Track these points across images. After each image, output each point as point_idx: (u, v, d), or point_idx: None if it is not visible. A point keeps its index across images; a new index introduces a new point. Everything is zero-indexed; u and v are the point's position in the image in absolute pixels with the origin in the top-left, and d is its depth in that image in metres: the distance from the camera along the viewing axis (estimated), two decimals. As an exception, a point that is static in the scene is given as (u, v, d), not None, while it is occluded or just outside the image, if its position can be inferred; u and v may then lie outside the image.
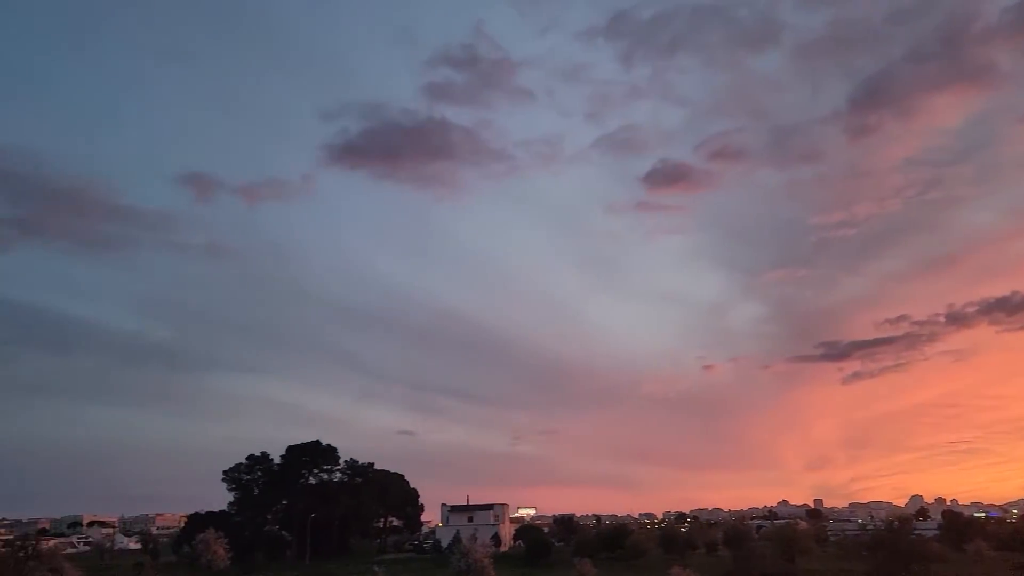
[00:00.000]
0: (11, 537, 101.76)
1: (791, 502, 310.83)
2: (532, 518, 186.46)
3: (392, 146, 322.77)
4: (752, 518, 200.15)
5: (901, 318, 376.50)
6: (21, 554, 64.69)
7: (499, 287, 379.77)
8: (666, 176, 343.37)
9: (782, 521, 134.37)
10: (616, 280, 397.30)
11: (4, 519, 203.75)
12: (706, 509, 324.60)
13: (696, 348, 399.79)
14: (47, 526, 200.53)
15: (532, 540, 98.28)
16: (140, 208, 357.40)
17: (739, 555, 71.66)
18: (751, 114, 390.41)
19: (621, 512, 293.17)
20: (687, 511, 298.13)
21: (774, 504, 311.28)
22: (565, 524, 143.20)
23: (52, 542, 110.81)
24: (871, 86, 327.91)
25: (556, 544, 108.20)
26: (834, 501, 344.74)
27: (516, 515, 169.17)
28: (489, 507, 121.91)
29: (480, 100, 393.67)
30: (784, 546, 74.25)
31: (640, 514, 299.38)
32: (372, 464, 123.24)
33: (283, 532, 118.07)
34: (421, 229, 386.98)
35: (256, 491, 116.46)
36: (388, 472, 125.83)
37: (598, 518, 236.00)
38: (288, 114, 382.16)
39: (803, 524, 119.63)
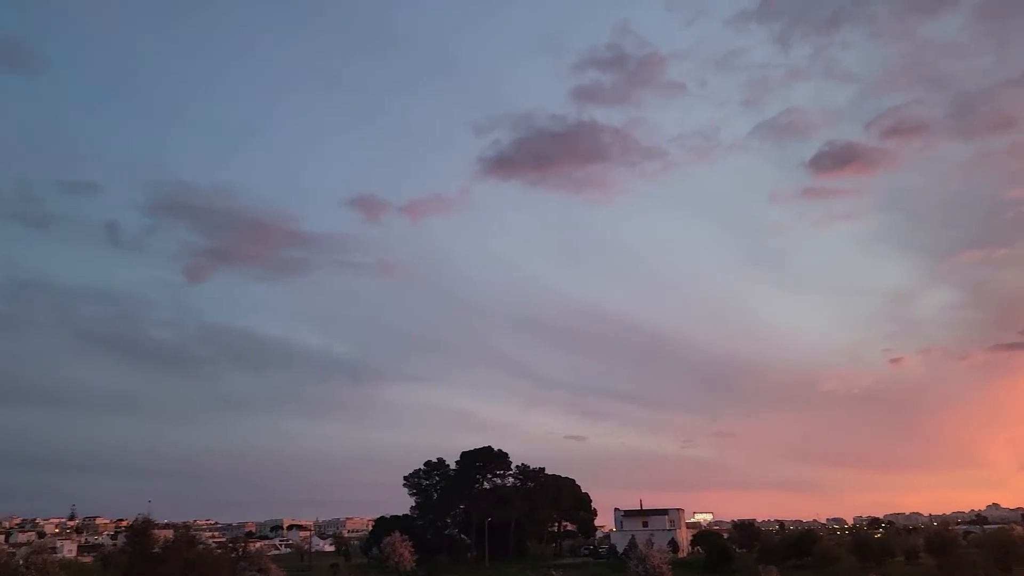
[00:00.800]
0: (224, 539, 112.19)
1: (1003, 505, 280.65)
2: (709, 523, 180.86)
3: (543, 153, 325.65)
4: (958, 523, 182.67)
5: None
6: (234, 555, 71.14)
7: (659, 287, 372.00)
8: (835, 159, 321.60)
9: (993, 526, 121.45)
10: (784, 272, 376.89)
11: (216, 523, 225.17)
12: (902, 513, 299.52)
13: (880, 340, 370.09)
14: (253, 529, 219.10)
15: (712, 546, 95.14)
16: (317, 233, 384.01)
17: (945, 563, 65.74)
18: (928, 84, 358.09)
19: (806, 517, 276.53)
20: (880, 515, 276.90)
21: (982, 507, 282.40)
22: (746, 530, 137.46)
23: (258, 544, 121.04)
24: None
25: (738, 551, 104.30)
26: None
27: (692, 520, 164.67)
28: (664, 512, 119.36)
29: (630, 99, 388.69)
30: (998, 553, 67.08)
31: (828, 519, 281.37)
32: (543, 469, 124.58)
33: (462, 535, 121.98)
34: (577, 234, 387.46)
35: (435, 496, 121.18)
36: (559, 477, 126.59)
37: (781, 524, 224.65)
38: (444, 131, 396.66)
39: (1019, 529, 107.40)
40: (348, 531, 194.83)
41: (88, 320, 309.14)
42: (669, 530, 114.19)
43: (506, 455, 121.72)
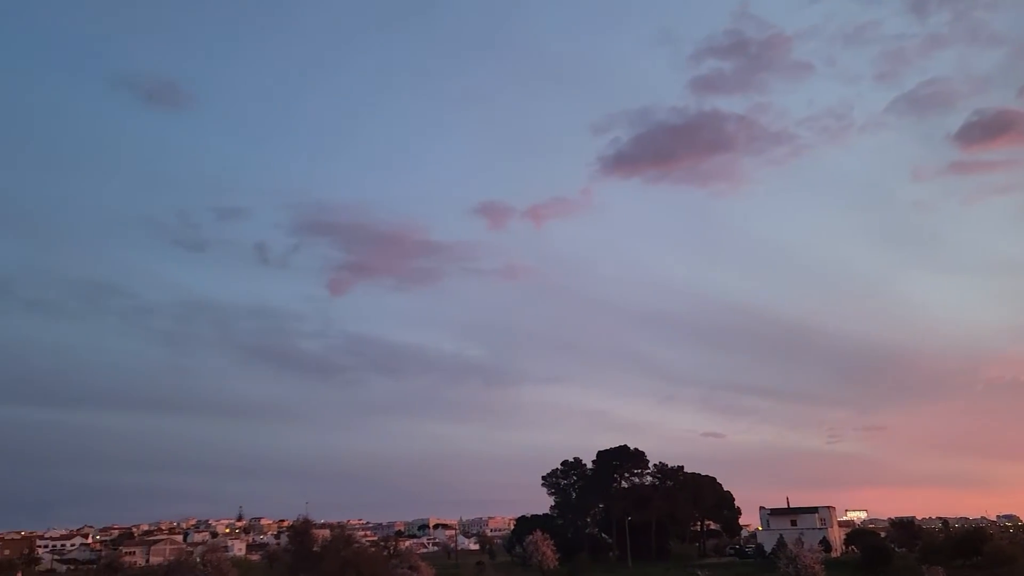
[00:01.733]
0: (375, 538, 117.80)
1: None
2: (864, 521, 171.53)
3: (664, 148, 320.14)
4: None
5: None
6: (385, 553, 74.71)
7: (795, 276, 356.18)
8: (985, 129, 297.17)
9: None
10: (933, 253, 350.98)
11: (367, 522, 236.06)
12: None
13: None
14: (401, 528, 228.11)
15: (868, 545, 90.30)
16: (445, 241, 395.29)
17: None
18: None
19: (972, 514, 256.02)
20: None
21: None
22: (905, 527, 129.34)
23: (407, 543, 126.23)
24: None
25: (896, 550, 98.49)
26: None
27: (844, 518, 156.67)
28: (814, 510, 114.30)
29: (753, 84, 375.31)
30: None
31: (998, 516, 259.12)
32: (682, 467, 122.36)
33: (603, 534, 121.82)
34: (704, 227, 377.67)
35: (573, 495, 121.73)
36: (699, 475, 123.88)
37: (945, 521, 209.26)
38: (562, 133, 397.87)
39: None
40: (491, 530, 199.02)
41: (245, 334, 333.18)
42: (820, 529, 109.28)
43: (643, 454, 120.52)
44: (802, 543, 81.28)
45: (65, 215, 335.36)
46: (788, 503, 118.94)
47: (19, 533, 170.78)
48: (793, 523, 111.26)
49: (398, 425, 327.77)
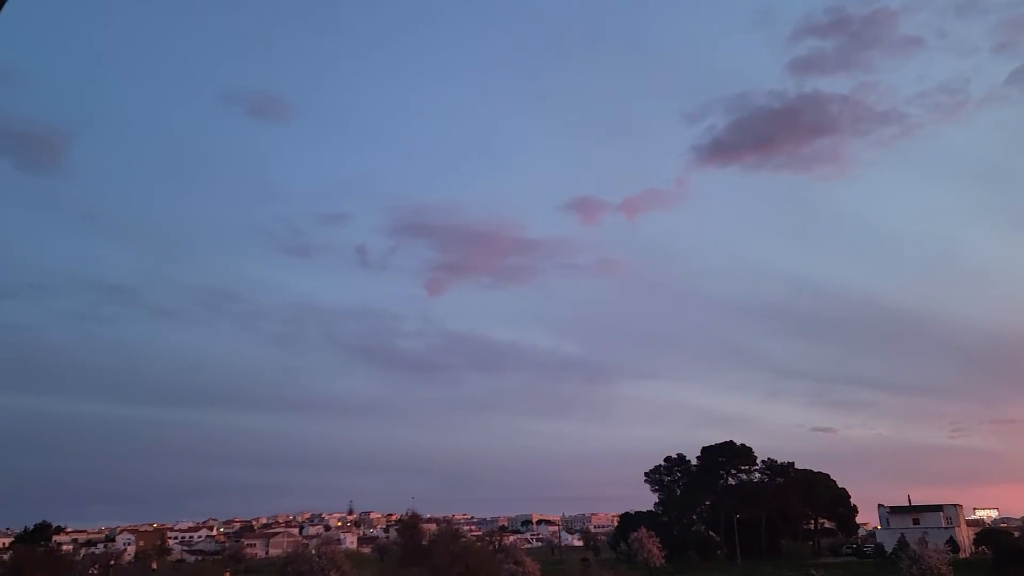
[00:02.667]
0: (480, 533, 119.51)
1: None
2: (994, 520, 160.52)
3: (762, 134, 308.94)
4: None
5: None
6: (491, 548, 75.57)
7: (908, 262, 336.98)
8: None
9: None
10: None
11: (472, 517, 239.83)
12: None
13: None
14: (505, 523, 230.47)
15: (1002, 546, 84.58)
16: (539, 238, 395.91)
17: None
18: None
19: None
20: None
21: None
22: None
23: (511, 538, 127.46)
24: None
25: None
26: None
27: (973, 517, 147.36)
28: (938, 508, 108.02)
29: (856, 62, 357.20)
30: None
31: None
32: (792, 463, 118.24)
33: (710, 532, 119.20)
34: (807, 213, 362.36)
35: (678, 492, 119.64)
36: (811, 471, 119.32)
37: None
38: (654, 123, 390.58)
39: None
40: (594, 526, 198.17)
41: (348, 335, 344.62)
42: (946, 528, 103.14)
43: (750, 449, 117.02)
44: (926, 543, 77.07)
45: (184, 227, 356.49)
46: (909, 501, 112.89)
47: (151, 525, 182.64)
48: (916, 522, 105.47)
49: (498, 422, 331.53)
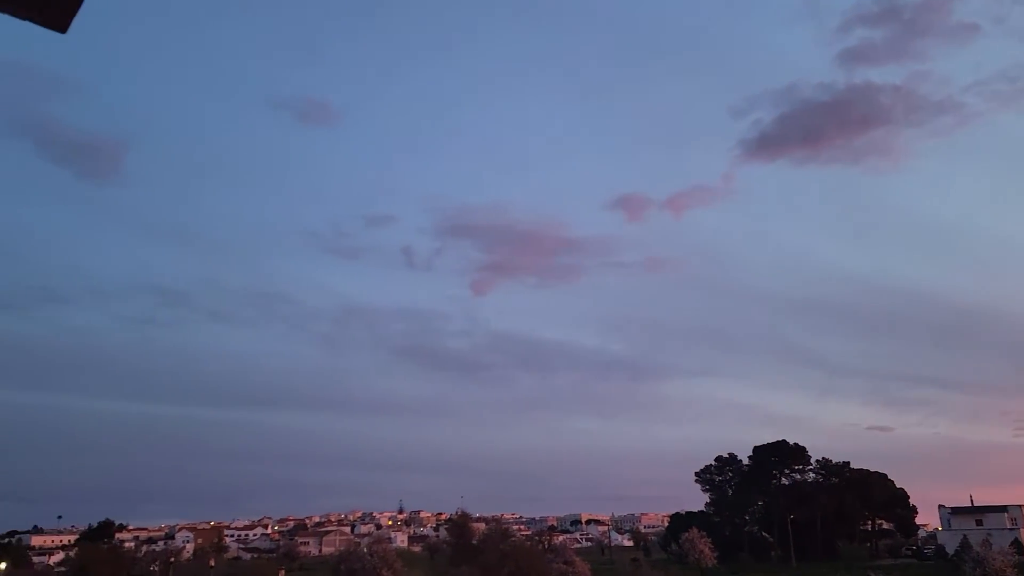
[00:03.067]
0: (529, 533, 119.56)
1: None
2: None
3: (811, 127, 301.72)
4: None
5: None
6: (540, 547, 75.51)
7: (966, 255, 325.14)
8: None
9: None
10: None
11: (520, 516, 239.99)
12: None
13: None
14: (554, 523, 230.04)
15: None
16: (583, 237, 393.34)
17: None
18: None
19: None
20: None
21: None
22: None
23: (560, 538, 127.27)
24: None
25: None
26: None
27: None
28: (1003, 509, 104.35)
29: (909, 51, 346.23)
30: None
31: None
32: (847, 463, 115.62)
33: (763, 533, 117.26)
34: (859, 207, 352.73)
35: (729, 492, 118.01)
36: (867, 471, 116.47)
37: None
38: (699, 119, 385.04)
39: None
40: (644, 526, 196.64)
41: (397, 336, 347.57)
42: (1011, 529, 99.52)
43: (804, 449, 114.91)
44: (990, 544, 74.55)
45: (235, 231, 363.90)
46: (972, 501, 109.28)
47: (208, 523, 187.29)
48: (979, 523, 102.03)
49: (545, 421, 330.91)
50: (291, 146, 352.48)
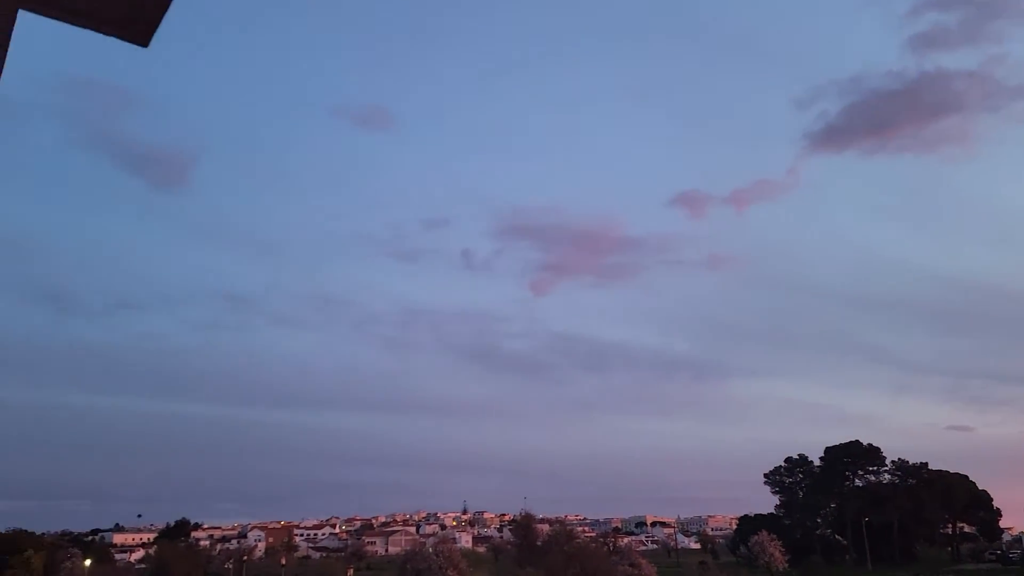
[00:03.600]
0: (594, 535, 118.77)
1: None
2: None
3: (880, 116, 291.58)
4: None
5: None
6: (605, 549, 74.91)
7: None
8: None
9: None
10: None
11: (585, 518, 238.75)
12: None
13: None
14: (618, 525, 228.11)
15: None
16: (643, 236, 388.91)
17: None
18: None
19: None
20: None
21: None
22: None
23: (626, 540, 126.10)
24: None
25: None
26: None
27: None
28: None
29: (983, 35, 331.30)
30: None
31: None
32: (925, 464, 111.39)
33: (836, 536, 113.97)
34: (933, 198, 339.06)
35: (800, 493, 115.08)
36: (946, 472, 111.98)
37: None
38: (762, 112, 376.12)
39: None
40: (711, 529, 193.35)
41: (457, 337, 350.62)
42: None
43: (878, 449, 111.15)
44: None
45: (298, 237, 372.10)
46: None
47: (279, 523, 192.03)
48: None
49: (606, 421, 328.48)
50: (350, 152, 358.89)
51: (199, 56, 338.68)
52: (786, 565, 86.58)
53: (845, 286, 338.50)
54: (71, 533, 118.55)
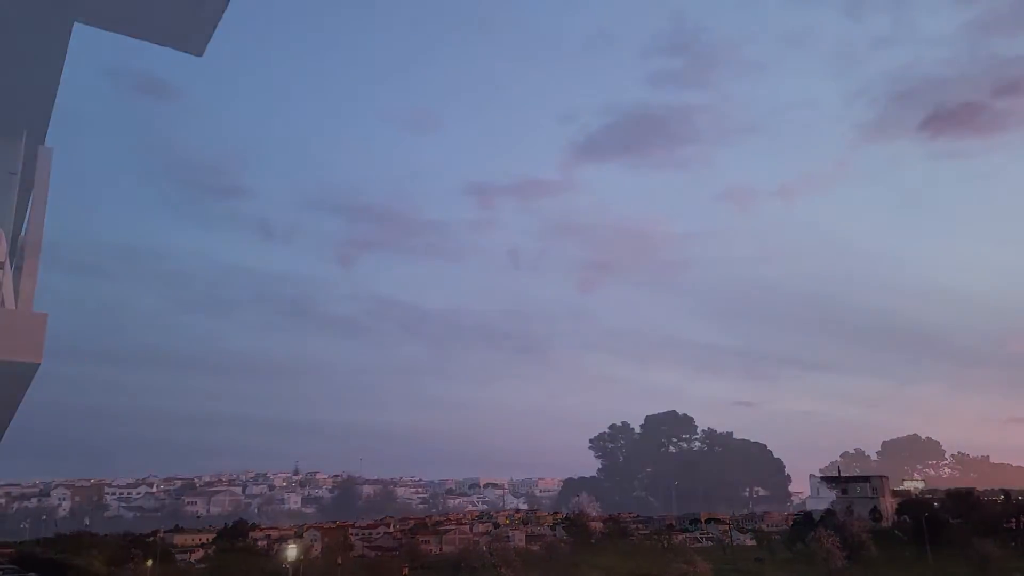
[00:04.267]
0: (648, 532, 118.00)
1: None
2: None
3: (932, 106, 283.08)
4: None
5: None
6: (660, 546, 74.52)
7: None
8: None
9: None
10: None
11: (638, 515, 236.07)
12: None
13: None
14: (672, 522, 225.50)
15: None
16: (691, 232, 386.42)
17: None
18: None
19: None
20: None
21: None
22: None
23: (680, 537, 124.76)
24: None
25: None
26: None
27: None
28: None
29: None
30: None
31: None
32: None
33: (895, 531, 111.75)
34: (994, 186, 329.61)
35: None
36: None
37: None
38: (809, 103, 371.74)
39: None
40: (767, 525, 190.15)
41: (502, 336, 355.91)
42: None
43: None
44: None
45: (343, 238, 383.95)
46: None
47: (334, 523, 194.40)
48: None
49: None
50: (396, 155, 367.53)
51: (249, 66, 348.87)
52: (844, 561, 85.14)
53: (899, 278, 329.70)
54: (132, 534, 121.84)
